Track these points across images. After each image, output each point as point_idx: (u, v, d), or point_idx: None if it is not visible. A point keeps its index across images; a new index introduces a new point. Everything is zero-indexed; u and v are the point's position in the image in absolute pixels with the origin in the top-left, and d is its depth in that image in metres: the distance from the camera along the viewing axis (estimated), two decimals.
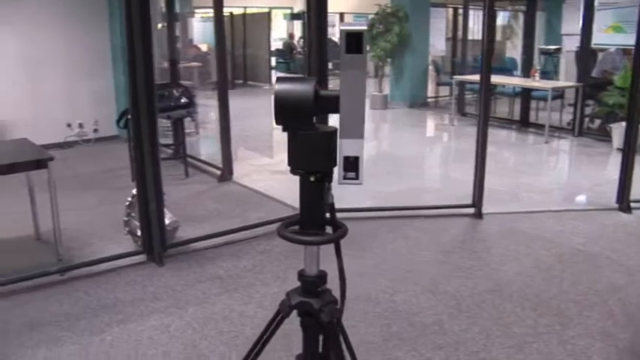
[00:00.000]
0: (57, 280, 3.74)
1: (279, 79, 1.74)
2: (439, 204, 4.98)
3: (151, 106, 3.76)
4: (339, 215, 1.85)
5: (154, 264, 3.95)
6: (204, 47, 13.22)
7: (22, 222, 4.36)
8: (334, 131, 1.74)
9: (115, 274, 3.82)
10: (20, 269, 3.77)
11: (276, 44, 15.06)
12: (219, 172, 5.98)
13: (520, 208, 5.03)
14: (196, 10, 13.57)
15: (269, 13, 13.53)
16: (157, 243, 3.95)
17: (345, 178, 1.75)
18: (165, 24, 7.03)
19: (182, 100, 5.74)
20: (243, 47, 14.15)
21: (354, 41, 1.61)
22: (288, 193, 4.78)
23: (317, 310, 1.84)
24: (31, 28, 6.98)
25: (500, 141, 8.28)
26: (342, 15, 14.30)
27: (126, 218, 4.17)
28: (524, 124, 9.01)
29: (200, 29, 13.89)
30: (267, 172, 6.39)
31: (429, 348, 2.95)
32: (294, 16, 14.31)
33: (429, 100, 10.89)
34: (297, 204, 1.81)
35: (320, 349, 1.93)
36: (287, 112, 1.70)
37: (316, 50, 4.35)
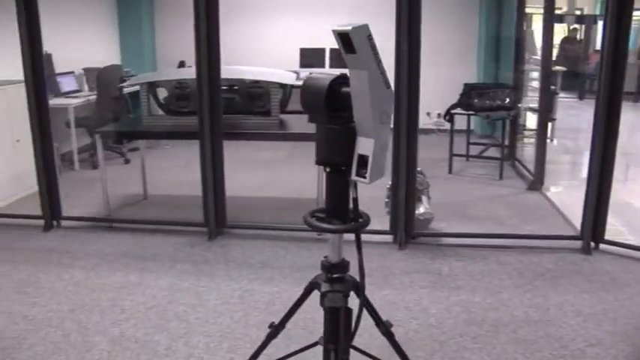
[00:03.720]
0: (312, 237, 4.37)
1: (310, 75, 1.87)
2: None
3: (414, 101, 3.98)
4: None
5: (395, 246, 4.22)
6: None
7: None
8: (350, 128, 1.79)
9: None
10: (288, 222, 4.52)
11: None
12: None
13: None
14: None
15: None
16: (401, 228, 4.20)
17: (356, 174, 1.80)
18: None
19: (505, 102, 5.68)
20: None
21: (346, 41, 1.65)
22: None
23: (322, 293, 1.94)
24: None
25: None
26: None
27: (387, 199, 4.50)
28: None
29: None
30: None
31: None
32: None
33: None
34: None
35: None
36: (306, 105, 1.83)
37: (609, 65, 3.84)
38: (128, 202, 5.34)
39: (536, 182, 5.64)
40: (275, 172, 6.38)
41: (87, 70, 6.90)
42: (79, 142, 6.46)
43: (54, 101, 6.19)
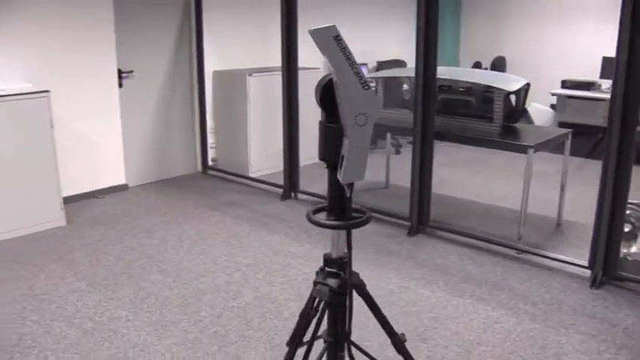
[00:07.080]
0: (509, 254, 4.20)
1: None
2: None
3: (629, 123, 3.48)
4: None
5: (588, 283, 3.77)
6: None
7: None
8: (340, 127, 1.85)
9: (547, 273, 3.91)
10: (494, 234, 4.40)
11: None
12: None
13: None
14: None
15: None
16: (599, 264, 3.73)
17: (338, 173, 1.88)
18: None
19: None
20: None
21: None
22: None
23: (313, 282, 2.04)
24: None
25: None
26: None
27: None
28: None
29: None
30: None
31: None
32: None
33: None
34: None
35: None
36: (316, 100, 1.95)
37: None
38: (370, 188, 5.75)
39: None
40: (508, 183, 6.02)
41: (378, 63, 7.51)
42: None
43: None
